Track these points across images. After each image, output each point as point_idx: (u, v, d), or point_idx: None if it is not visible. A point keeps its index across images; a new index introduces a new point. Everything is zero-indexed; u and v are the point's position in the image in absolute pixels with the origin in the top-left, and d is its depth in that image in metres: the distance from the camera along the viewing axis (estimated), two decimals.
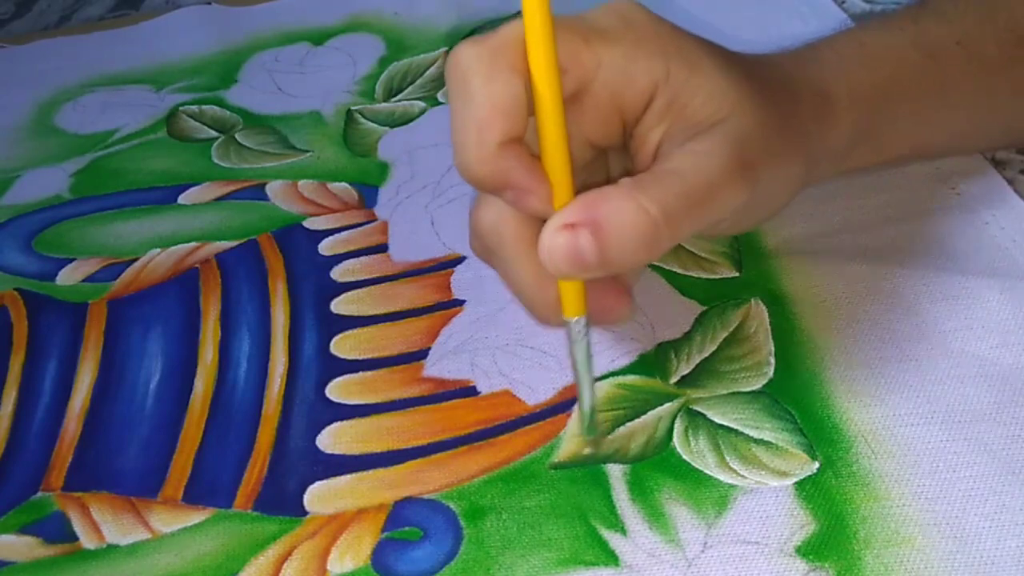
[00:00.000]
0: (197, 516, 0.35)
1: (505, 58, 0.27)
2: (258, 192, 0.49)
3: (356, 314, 0.42)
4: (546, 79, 0.28)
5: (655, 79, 0.29)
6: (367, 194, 0.48)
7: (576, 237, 0.27)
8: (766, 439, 0.35)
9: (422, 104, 0.54)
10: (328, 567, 0.33)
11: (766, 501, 0.33)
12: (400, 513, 0.34)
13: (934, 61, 0.37)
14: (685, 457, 0.35)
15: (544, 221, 0.28)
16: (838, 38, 0.37)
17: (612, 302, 0.32)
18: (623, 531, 0.33)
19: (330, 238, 0.46)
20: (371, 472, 0.36)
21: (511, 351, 0.39)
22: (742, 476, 0.34)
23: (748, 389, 0.37)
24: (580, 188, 0.29)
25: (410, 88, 0.55)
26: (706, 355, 0.38)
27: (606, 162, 0.33)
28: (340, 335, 0.41)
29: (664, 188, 0.28)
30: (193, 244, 0.46)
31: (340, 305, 0.43)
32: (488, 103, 0.27)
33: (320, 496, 0.35)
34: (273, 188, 0.49)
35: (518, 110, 0.27)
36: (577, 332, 0.31)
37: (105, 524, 0.35)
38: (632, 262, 0.28)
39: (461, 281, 0.43)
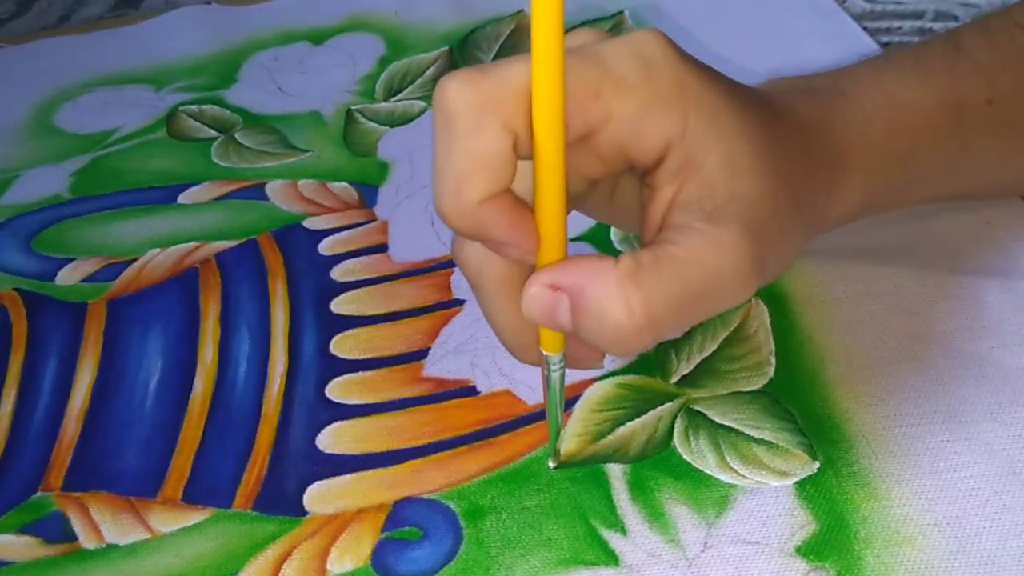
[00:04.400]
0: (196, 516, 0.35)
1: (497, 111, 0.25)
2: (258, 192, 0.49)
3: (356, 314, 0.42)
4: (550, 142, 0.25)
5: (669, 137, 0.27)
6: (367, 194, 0.48)
7: (556, 301, 0.26)
8: (766, 439, 0.35)
9: (422, 104, 0.54)
10: (328, 567, 0.33)
11: (766, 501, 0.33)
12: (400, 513, 0.34)
13: (961, 126, 0.34)
14: (685, 457, 0.35)
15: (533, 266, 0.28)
16: (868, 88, 0.34)
17: (586, 353, 0.31)
18: (623, 531, 0.33)
19: (330, 238, 0.46)
20: (371, 472, 0.36)
21: None
22: (742, 476, 0.34)
23: (748, 389, 0.37)
24: (574, 204, 0.28)
25: (410, 88, 0.55)
26: (706, 355, 0.38)
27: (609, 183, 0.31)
28: (340, 335, 0.41)
29: (662, 285, 0.25)
30: (193, 244, 0.46)
31: (340, 305, 0.43)
32: (470, 158, 0.25)
33: (320, 496, 0.35)
34: (273, 188, 0.49)
35: (503, 167, 0.25)
36: (554, 367, 0.30)
37: (104, 524, 0.35)
38: (607, 351, 0.26)
39: (461, 281, 0.43)
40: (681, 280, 0.26)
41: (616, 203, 0.31)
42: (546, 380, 0.31)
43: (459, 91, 0.25)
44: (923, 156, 0.34)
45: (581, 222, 0.44)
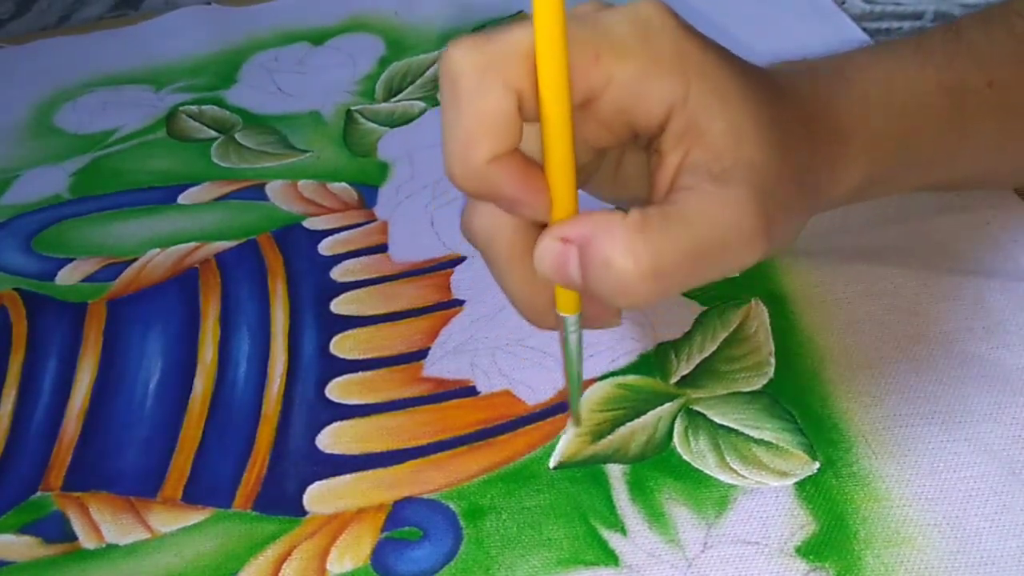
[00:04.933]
0: (196, 516, 0.35)
1: (500, 72, 0.26)
2: (258, 192, 0.49)
3: (356, 314, 0.42)
4: (555, 96, 0.26)
5: (671, 102, 0.27)
6: (367, 194, 0.48)
7: (567, 252, 0.27)
8: (766, 439, 0.35)
9: (422, 104, 0.54)
10: (328, 567, 0.33)
11: (766, 501, 0.33)
12: (400, 513, 0.34)
13: (960, 111, 0.35)
14: (685, 457, 0.35)
15: (541, 226, 0.28)
16: (868, 70, 0.34)
17: (601, 311, 0.31)
18: (623, 531, 0.33)
19: (330, 238, 0.46)
20: (371, 472, 0.36)
21: (511, 351, 0.39)
22: (742, 476, 0.34)
23: (748, 389, 0.37)
24: (582, 179, 0.29)
25: (410, 88, 0.55)
26: (706, 355, 0.38)
27: (617, 152, 0.32)
28: (340, 335, 0.41)
29: (669, 238, 0.26)
30: (193, 244, 0.46)
31: (340, 305, 0.43)
32: (476, 119, 0.26)
33: (320, 496, 0.35)
34: (273, 188, 0.49)
35: (509, 127, 0.26)
36: (571, 328, 0.31)
37: (104, 524, 0.35)
38: (614, 303, 0.27)
39: (461, 281, 0.43)
40: (688, 235, 0.26)
41: (621, 177, 0.32)
42: (564, 344, 0.31)
43: (463, 55, 0.26)
44: (922, 139, 0.35)
45: None
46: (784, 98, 0.31)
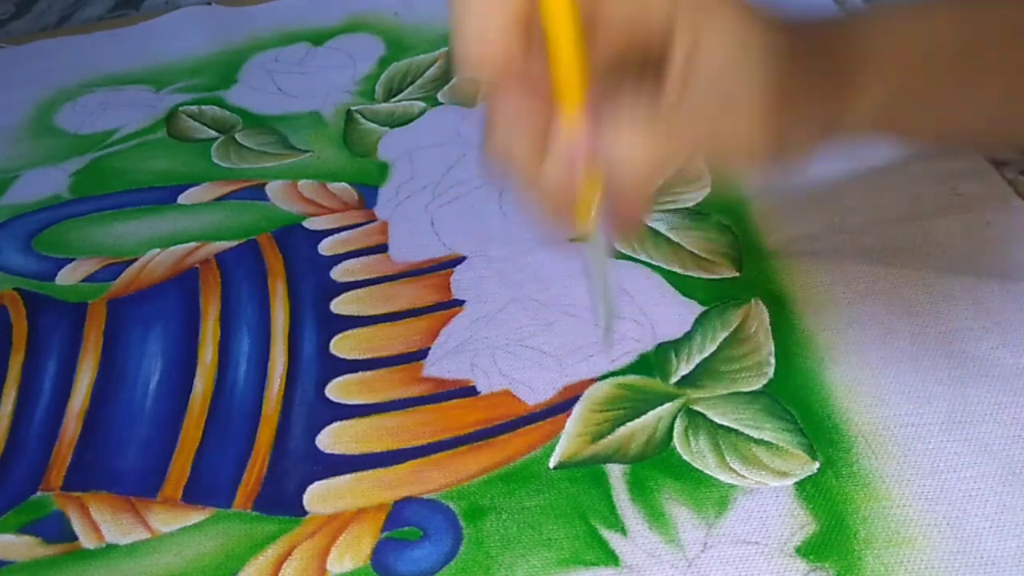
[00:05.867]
0: (196, 516, 0.35)
1: None
2: (258, 192, 0.49)
3: (356, 314, 0.42)
4: None
5: (670, 7, 0.28)
6: (367, 194, 0.48)
7: (582, 133, 0.27)
8: (766, 439, 0.35)
9: (422, 104, 0.54)
10: (328, 567, 0.33)
11: (766, 501, 0.33)
12: (400, 513, 0.34)
13: (973, 54, 0.35)
14: (685, 457, 0.35)
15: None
16: (880, 9, 0.35)
17: (623, 205, 0.31)
18: (623, 531, 0.33)
19: (330, 238, 0.46)
20: (371, 472, 0.36)
21: (511, 351, 0.39)
22: (742, 476, 0.34)
23: (748, 389, 0.37)
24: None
25: (410, 88, 0.55)
26: (706, 355, 0.38)
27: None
28: (340, 335, 0.41)
29: (674, 135, 0.27)
30: (193, 244, 0.46)
31: (340, 305, 0.43)
32: (487, 4, 0.26)
33: (320, 496, 0.35)
34: (273, 188, 0.49)
35: (519, 4, 0.26)
36: (596, 244, 0.30)
37: (104, 524, 0.35)
38: (621, 183, 0.28)
39: (461, 281, 0.43)
40: (691, 134, 0.27)
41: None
42: (590, 260, 0.31)
43: None
44: (935, 77, 0.35)
45: None
46: (794, 24, 0.31)
